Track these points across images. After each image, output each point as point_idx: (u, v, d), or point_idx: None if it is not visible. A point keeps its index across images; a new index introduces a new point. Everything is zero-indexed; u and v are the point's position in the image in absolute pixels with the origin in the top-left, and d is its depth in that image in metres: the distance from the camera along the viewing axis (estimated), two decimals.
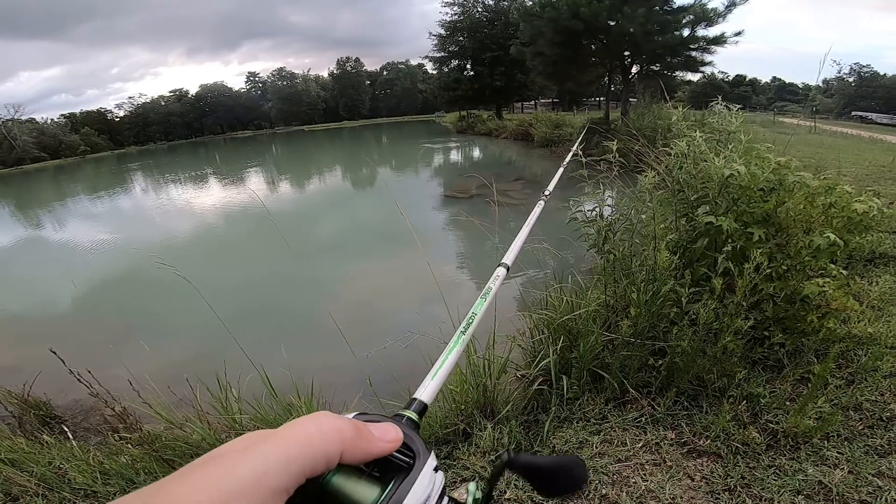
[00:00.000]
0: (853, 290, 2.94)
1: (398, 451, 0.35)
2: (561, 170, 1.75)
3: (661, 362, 2.38)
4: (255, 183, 20.38)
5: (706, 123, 3.19)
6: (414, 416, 0.41)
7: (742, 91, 54.57)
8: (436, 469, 0.35)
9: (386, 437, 0.34)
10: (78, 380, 2.10)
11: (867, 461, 1.88)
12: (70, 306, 6.75)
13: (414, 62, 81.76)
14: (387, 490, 0.31)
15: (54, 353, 2.18)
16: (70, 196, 23.08)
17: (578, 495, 1.91)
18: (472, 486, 0.46)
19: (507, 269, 0.82)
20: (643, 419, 2.29)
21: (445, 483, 0.36)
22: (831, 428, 2.02)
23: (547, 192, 1.32)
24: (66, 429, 2.67)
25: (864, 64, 48.82)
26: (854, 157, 10.12)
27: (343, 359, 2.96)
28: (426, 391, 0.47)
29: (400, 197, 13.32)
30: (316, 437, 0.30)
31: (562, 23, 15.49)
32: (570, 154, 2.04)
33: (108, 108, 79.88)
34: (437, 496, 0.34)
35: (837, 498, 1.74)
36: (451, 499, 0.36)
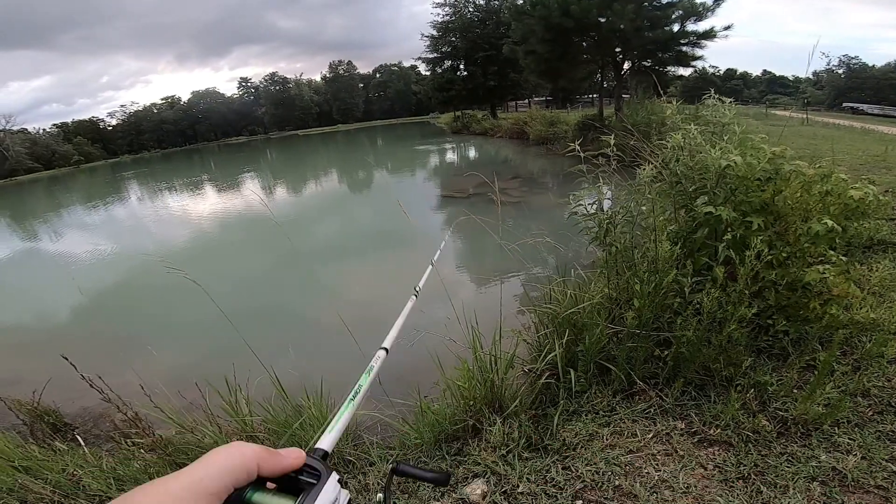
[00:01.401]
0: (853, 276, 2.96)
1: (308, 476, 0.45)
2: (430, 268, 1.71)
3: (667, 353, 2.40)
4: (253, 188, 20.34)
5: (700, 116, 3.21)
6: (318, 459, 0.50)
7: (734, 85, 54.62)
8: (340, 482, 0.45)
9: (291, 455, 0.45)
10: (90, 385, 2.11)
11: (880, 447, 1.88)
12: (76, 315, 6.73)
13: (406, 64, 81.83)
14: (297, 499, 0.42)
15: (66, 358, 2.18)
16: (66, 206, 23.00)
17: (592, 486, 1.94)
18: (379, 496, 0.58)
19: (387, 352, 0.93)
20: (652, 410, 2.31)
21: (351, 498, 0.47)
22: (841, 414, 2.03)
23: (417, 289, 1.38)
24: (77, 436, 2.67)
25: (853, 56, 49.01)
26: (848, 148, 10.19)
27: (350, 359, 2.96)
28: (325, 441, 0.57)
29: (398, 198, 13.33)
30: (236, 454, 0.40)
31: (552, 20, 15.54)
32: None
33: (100, 117, 79.99)
34: None
35: (853, 484, 1.74)
36: None
